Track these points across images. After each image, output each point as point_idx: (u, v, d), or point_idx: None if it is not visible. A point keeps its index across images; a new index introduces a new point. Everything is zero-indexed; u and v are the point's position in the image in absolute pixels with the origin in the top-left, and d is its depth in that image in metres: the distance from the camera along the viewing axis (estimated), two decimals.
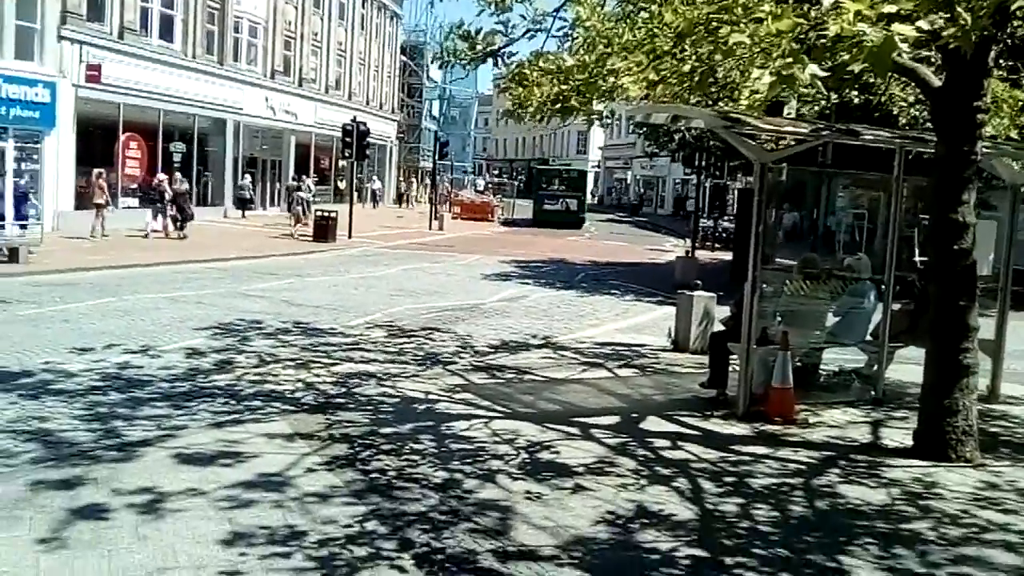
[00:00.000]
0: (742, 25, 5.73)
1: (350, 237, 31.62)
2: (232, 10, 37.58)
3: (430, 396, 9.87)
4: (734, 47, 5.62)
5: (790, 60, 5.00)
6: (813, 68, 4.95)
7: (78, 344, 11.70)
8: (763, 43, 5.33)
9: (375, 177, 54.62)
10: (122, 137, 30.35)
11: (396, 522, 6.08)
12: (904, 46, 4.64)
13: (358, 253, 28.62)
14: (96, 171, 27.20)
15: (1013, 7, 5.46)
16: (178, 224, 27.89)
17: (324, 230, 30.52)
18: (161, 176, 29.06)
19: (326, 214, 31.52)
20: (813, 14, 5.40)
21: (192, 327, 13.48)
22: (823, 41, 4.97)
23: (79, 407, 8.74)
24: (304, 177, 38.57)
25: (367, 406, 9.32)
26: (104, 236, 25.63)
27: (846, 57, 4.89)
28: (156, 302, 15.99)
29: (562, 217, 49.19)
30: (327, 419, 8.65)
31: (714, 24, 6.55)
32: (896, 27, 4.52)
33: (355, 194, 37.08)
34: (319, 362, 11.48)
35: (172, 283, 18.66)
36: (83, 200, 27.90)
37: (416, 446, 7.91)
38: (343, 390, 10.00)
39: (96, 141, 29.33)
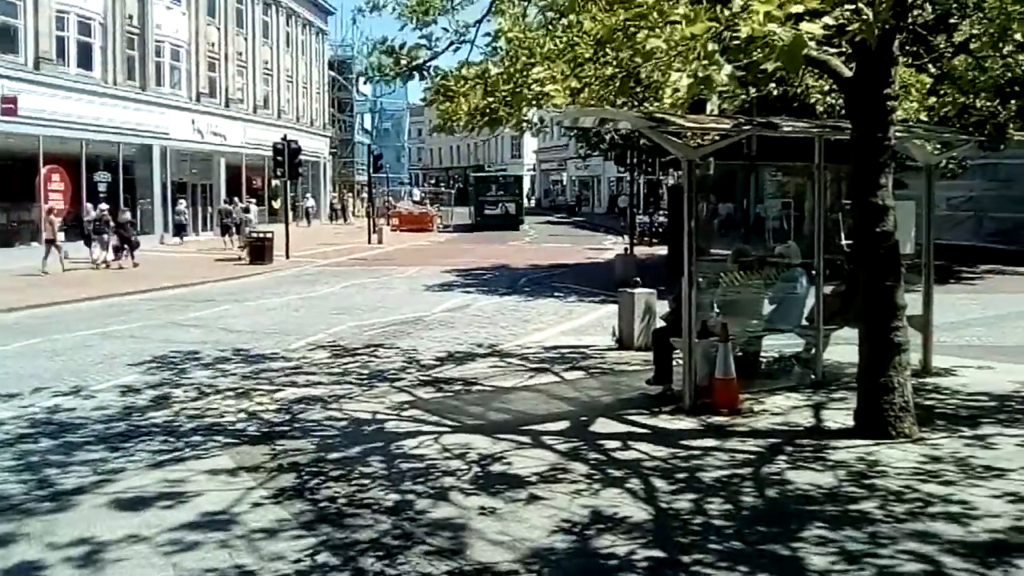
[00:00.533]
0: (658, 30, 5.81)
1: (287, 257, 31.35)
2: (152, 34, 37.10)
3: (377, 416, 9.80)
4: (652, 51, 5.70)
5: (706, 62, 5.09)
6: (728, 69, 5.04)
7: (4, 390, 11.33)
8: (679, 46, 5.41)
9: (308, 195, 54.17)
10: (43, 170, 29.73)
11: (348, 552, 5.99)
12: (813, 43, 4.75)
13: (296, 273, 28.40)
14: (46, 207, 27.55)
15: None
16: (123, 254, 28.16)
17: (260, 251, 30.24)
18: (103, 207, 29.21)
19: (261, 235, 31.22)
20: (727, 13, 5.49)
21: (126, 363, 13.21)
22: (736, 42, 5.06)
23: (7, 457, 8.44)
24: (237, 200, 38.21)
25: (313, 432, 9.21)
26: (63, 270, 25.91)
27: (759, 56, 4.98)
28: (87, 339, 15.66)
29: (502, 221, 52.37)
30: (272, 449, 8.51)
31: (632, 29, 6.64)
32: (804, 26, 4.62)
33: (290, 213, 36.76)
34: (261, 389, 11.34)
35: (104, 318, 18.29)
36: (6, 236, 27.35)
37: (365, 469, 7.83)
38: (287, 417, 9.88)
39: (16, 176, 28.71)
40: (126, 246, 28.57)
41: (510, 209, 54.35)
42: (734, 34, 5.15)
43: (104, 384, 11.76)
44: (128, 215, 30.52)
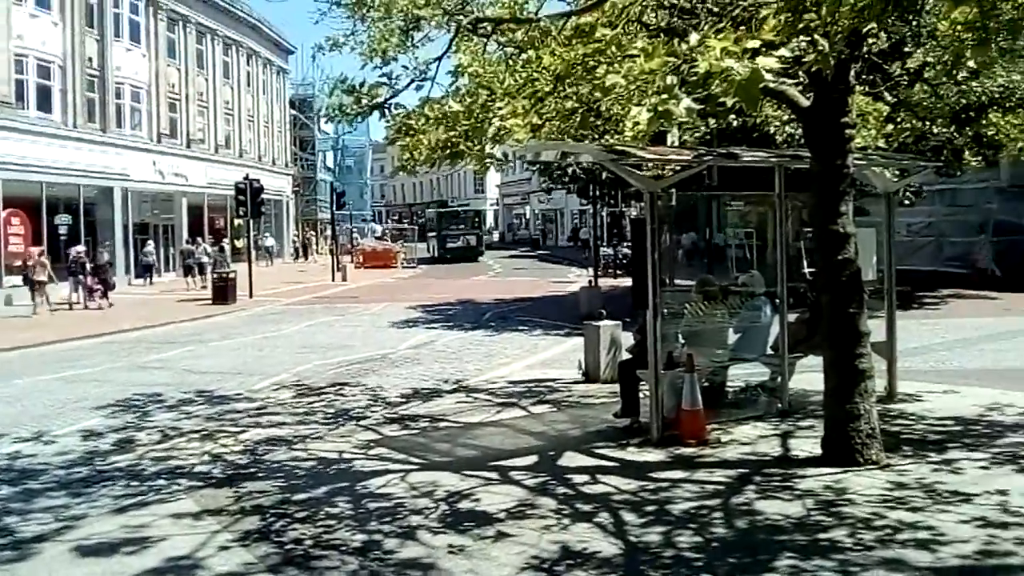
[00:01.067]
0: (617, 65, 5.85)
1: (251, 297, 31.14)
2: (113, 76, 36.93)
3: (344, 455, 9.69)
4: (611, 87, 5.73)
5: (665, 96, 5.12)
6: (687, 103, 5.07)
7: None
8: (638, 81, 5.45)
9: (267, 234, 53.78)
10: (3, 214, 29.39)
11: None
12: (770, 76, 4.80)
13: (260, 312, 28.18)
14: (36, 249, 27.96)
15: (864, 29, 5.70)
16: (97, 295, 28.57)
17: (223, 291, 30.00)
18: (79, 248, 29.69)
19: (225, 275, 30.98)
20: (684, 47, 5.54)
21: (88, 407, 13.00)
22: (694, 76, 5.10)
23: None
24: (200, 240, 37.95)
25: (278, 473, 9.09)
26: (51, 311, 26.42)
27: (718, 91, 5.02)
28: (49, 384, 15.41)
29: (464, 253, 56.55)
30: (237, 491, 8.38)
31: (591, 64, 6.69)
32: (760, 60, 4.67)
33: (253, 252, 36.54)
34: (225, 431, 11.19)
35: (65, 361, 18.04)
36: None
37: (332, 510, 7.72)
38: (252, 458, 9.74)
39: None
40: (101, 287, 28.95)
41: (471, 242, 58.95)
42: (692, 68, 5.20)
43: (66, 429, 11.56)
44: (107, 256, 31.02)
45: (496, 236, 78.83)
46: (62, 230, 31.80)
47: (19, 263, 29.78)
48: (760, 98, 4.99)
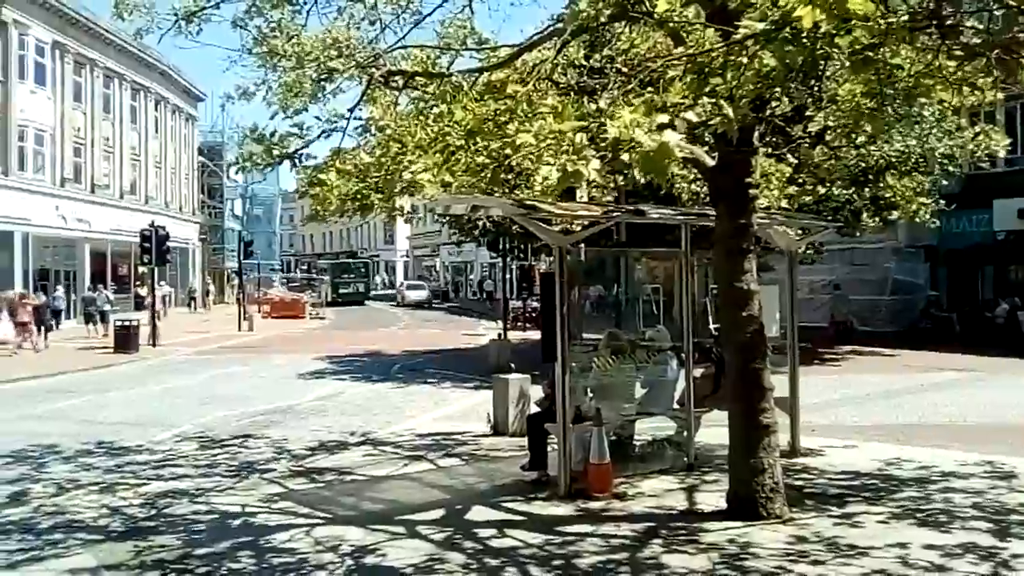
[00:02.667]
0: (527, 123, 5.97)
1: (154, 345, 30.37)
2: (16, 118, 36.03)
3: (247, 509, 9.46)
4: (521, 145, 5.83)
5: (575, 157, 5.23)
6: (595, 164, 5.19)
7: None
8: (548, 140, 5.56)
9: (162, 282, 51.87)
10: None
11: None
12: (676, 148, 4.93)
13: (163, 362, 27.50)
14: (18, 292, 29.24)
15: (768, 94, 5.93)
16: (28, 336, 28.55)
17: (126, 340, 29.19)
18: (10, 293, 29.77)
19: (127, 323, 30.20)
20: (594, 107, 5.69)
21: None
22: (603, 142, 5.23)
23: None
24: (101, 287, 36.96)
25: (180, 526, 8.82)
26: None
27: (627, 158, 5.15)
28: None
29: (353, 297, 66.70)
30: (137, 546, 8.11)
31: (502, 120, 6.80)
32: (667, 135, 4.81)
33: (157, 300, 35.72)
34: (125, 483, 10.83)
35: None
36: None
37: (235, 565, 7.54)
38: (152, 512, 9.44)
39: None
40: (39, 328, 29.37)
41: (360, 288, 70.11)
42: (601, 130, 5.33)
43: None
44: (42, 298, 31.93)
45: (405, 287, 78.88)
46: None
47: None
48: (668, 170, 5.14)
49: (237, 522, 9.00)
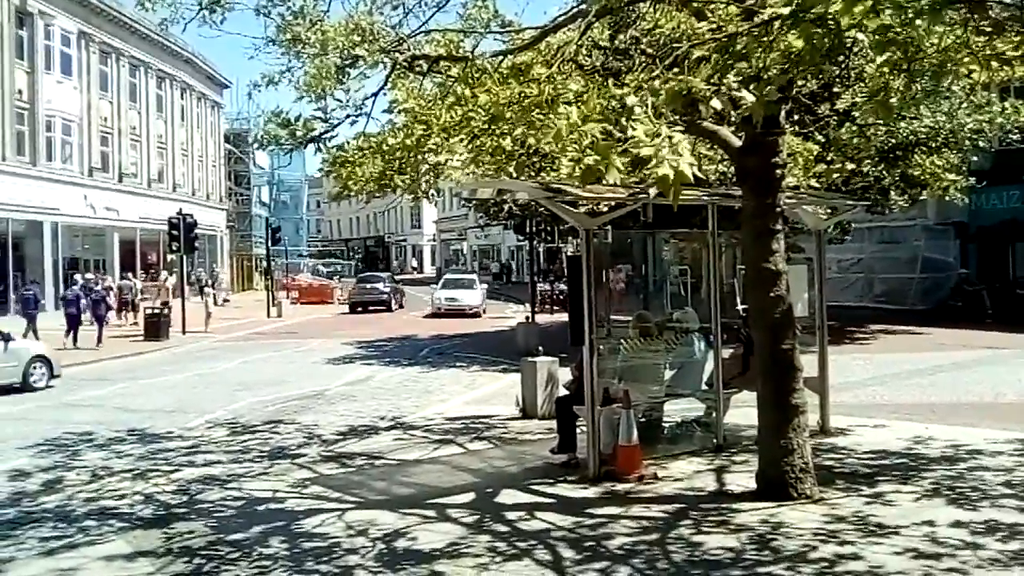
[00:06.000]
0: (552, 110, 5.94)
1: (184, 332, 30.63)
2: (43, 109, 36.31)
3: (278, 494, 9.56)
4: (544, 132, 5.82)
5: (598, 157, 5.20)
6: (618, 164, 5.16)
7: None
8: (572, 131, 5.53)
9: (200, 269, 52.25)
10: None
11: None
12: (690, 173, 4.91)
13: (194, 348, 27.81)
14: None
15: (794, 74, 5.86)
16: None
17: (156, 327, 29.48)
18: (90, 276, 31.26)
19: (157, 310, 30.49)
20: (619, 92, 5.64)
21: (15, 447, 12.66)
22: (627, 143, 5.20)
23: None
24: (131, 275, 37.32)
25: (212, 513, 8.94)
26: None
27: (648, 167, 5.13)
28: None
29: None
30: (168, 532, 8.23)
31: (526, 103, 6.76)
32: (683, 161, 4.81)
33: (186, 288, 36.02)
34: (158, 470, 10.97)
35: None
36: None
37: (266, 550, 7.61)
38: (185, 498, 9.56)
39: None
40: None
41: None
42: (627, 133, 5.29)
43: None
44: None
45: (433, 272, 78.69)
46: None
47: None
48: (679, 197, 5.15)
49: (268, 507, 9.09)
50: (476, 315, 39.12)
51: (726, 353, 11.16)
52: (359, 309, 44.48)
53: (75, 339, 26.86)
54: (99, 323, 28.07)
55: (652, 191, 5.25)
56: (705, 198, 10.79)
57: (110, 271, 40.93)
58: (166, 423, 14.39)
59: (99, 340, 27.38)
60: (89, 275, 33.46)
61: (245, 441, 12.81)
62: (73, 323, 27.17)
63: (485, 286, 45.31)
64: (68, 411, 16.10)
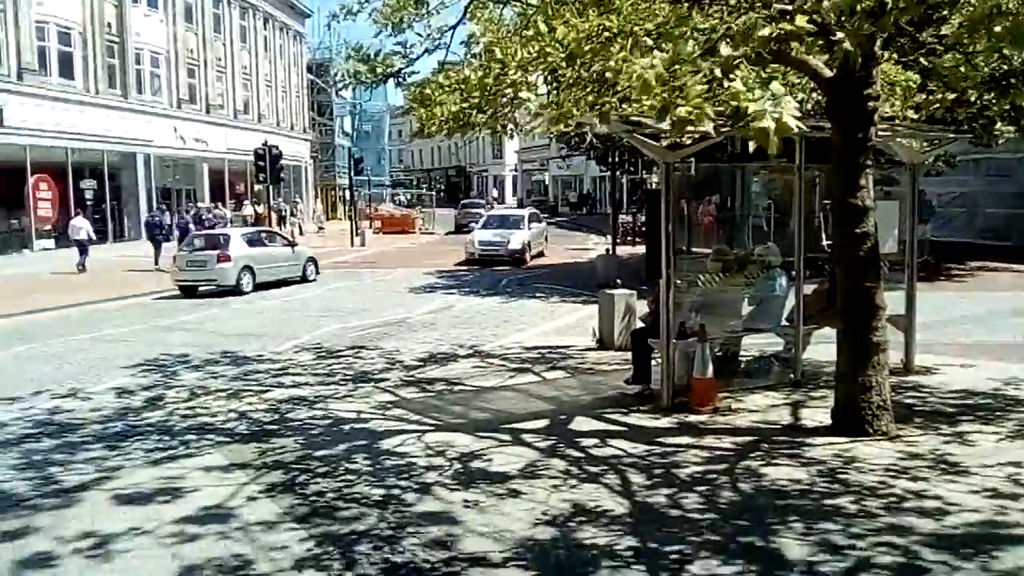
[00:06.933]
0: (631, 50, 5.94)
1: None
2: (132, 42, 37.06)
3: (362, 415, 9.94)
4: (626, 74, 5.82)
5: (692, 109, 5.20)
6: (711, 114, 5.16)
7: (6, 393, 11.56)
8: (659, 80, 5.52)
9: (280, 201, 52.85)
10: (31, 179, 29.77)
11: (340, 542, 6.18)
12: (794, 123, 4.88)
13: None
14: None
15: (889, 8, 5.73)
16: None
17: None
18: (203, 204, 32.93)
19: None
20: (707, 26, 5.60)
21: (119, 366, 13.36)
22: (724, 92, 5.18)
23: (13, 456, 8.68)
24: (220, 204, 38.25)
25: (300, 430, 9.36)
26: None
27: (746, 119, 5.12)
28: (81, 343, 15.82)
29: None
30: (261, 447, 8.68)
31: (605, 36, 6.74)
32: (786, 109, 4.77)
33: (272, 217, 36.80)
34: (249, 390, 11.49)
35: (95, 323, 18.44)
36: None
37: (351, 466, 7.99)
38: (275, 416, 10.03)
39: (5, 185, 28.73)
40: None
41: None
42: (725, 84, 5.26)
43: (99, 386, 11.94)
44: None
45: (514, 203, 78.48)
46: (88, 195, 32.28)
47: (48, 227, 30.32)
48: (779, 149, 5.10)
49: (352, 427, 9.47)
50: (519, 261, 31.28)
51: (808, 289, 11.06)
52: (464, 230, 44.79)
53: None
54: None
55: (751, 145, 5.20)
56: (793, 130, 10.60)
57: (200, 201, 41.97)
58: (256, 347, 14.94)
59: None
60: (202, 204, 34.63)
61: (330, 365, 13.24)
62: None
63: (541, 224, 36.87)
64: (166, 334, 16.85)
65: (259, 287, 24.31)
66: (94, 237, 30.44)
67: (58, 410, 10.63)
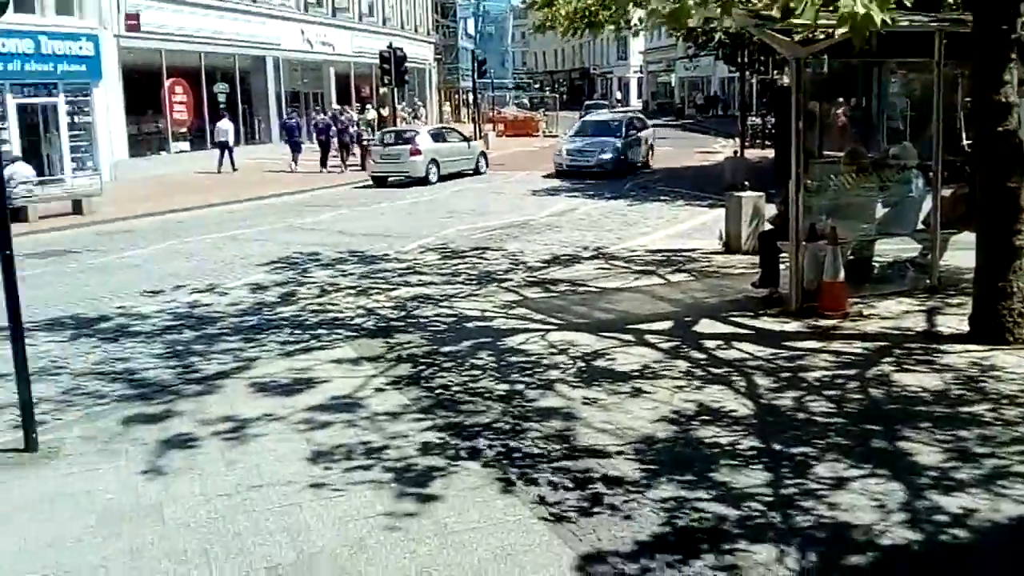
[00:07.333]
0: None
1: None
2: None
3: (486, 314, 10.12)
4: None
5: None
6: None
7: (148, 287, 12.26)
8: None
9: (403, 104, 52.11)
10: (167, 83, 30.73)
11: (464, 432, 6.38)
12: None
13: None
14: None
15: None
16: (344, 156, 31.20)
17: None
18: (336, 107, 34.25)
19: (373, 142, 31.73)
20: None
21: (253, 263, 13.94)
22: None
23: (157, 346, 9.25)
24: (347, 107, 38.74)
25: (426, 327, 9.62)
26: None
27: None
28: (216, 242, 16.52)
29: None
30: (389, 342, 8.97)
31: None
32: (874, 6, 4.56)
33: (396, 121, 37.11)
34: (377, 288, 11.83)
35: (229, 223, 19.19)
36: (138, 147, 28.73)
37: (476, 362, 8.18)
38: (402, 313, 10.32)
39: (142, 88, 29.76)
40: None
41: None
42: None
43: (236, 282, 12.53)
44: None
45: (639, 105, 76.92)
46: (220, 98, 33.17)
47: (184, 129, 31.43)
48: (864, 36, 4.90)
49: (477, 325, 9.67)
50: (614, 174, 27.47)
51: (947, 192, 10.60)
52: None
53: (324, 162, 30.54)
54: (344, 150, 31.29)
55: (839, 31, 5.02)
56: (933, 24, 10.07)
57: (327, 104, 42.59)
58: (383, 247, 15.31)
59: (342, 164, 30.91)
60: (336, 106, 35.94)
61: (455, 265, 13.48)
62: (324, 149, 30.88)
63: (646, 131, 32.09)
64: (297, 233, 17.44)
65: (442, 178, 27.13)
66: (235, 140, 31.66)
67: (197, 304, 11.23)
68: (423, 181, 26.39)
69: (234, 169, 29.49)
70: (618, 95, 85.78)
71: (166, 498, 5.47)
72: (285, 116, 34.84)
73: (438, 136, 28.86)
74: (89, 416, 7.10)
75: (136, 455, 6.16)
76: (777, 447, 5.99)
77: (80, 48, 26.28)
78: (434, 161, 27.10)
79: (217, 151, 29.98)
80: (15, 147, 22.53)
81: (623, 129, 30.02)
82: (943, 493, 5.22)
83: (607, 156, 28.14)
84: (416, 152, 26.62)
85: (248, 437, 6.45)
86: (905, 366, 7.72)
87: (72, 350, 9.15)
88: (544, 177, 27.85)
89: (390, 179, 26.84)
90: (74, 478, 5.81)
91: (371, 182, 27.09)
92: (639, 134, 31.09)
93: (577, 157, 28.50)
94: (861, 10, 4.60)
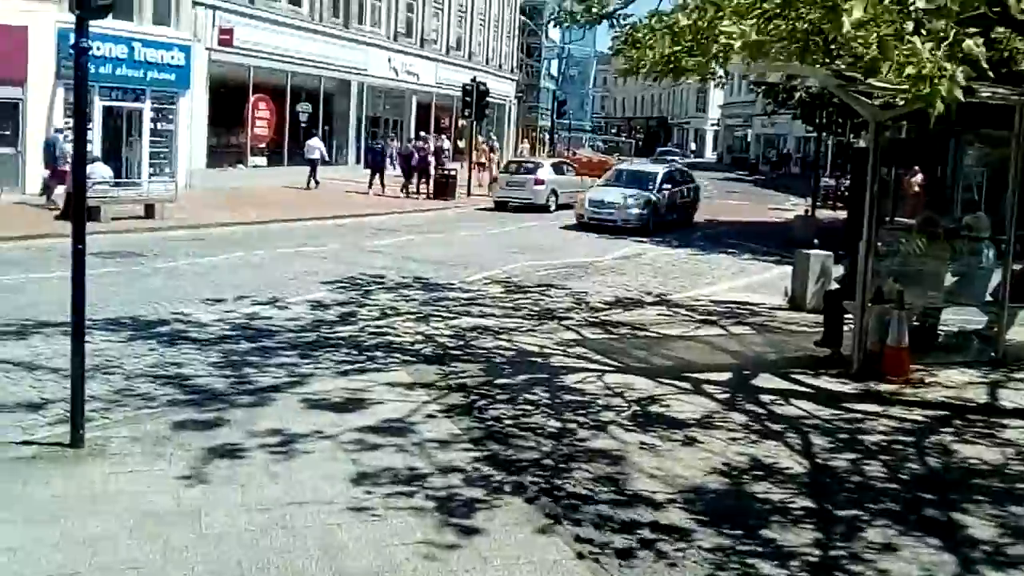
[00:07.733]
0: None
1: (469, 195, 32.15)
2: None
3: (544, 350, 10.17)
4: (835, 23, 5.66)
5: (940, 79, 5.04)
6: (960, 79, 4.99)
7: (210, 295, 12.42)
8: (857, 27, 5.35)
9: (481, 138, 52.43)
10: (252, 98, 31.49)
11: (512, 467, 6.41)
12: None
13: (476, 211, 29.07)
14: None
15: None
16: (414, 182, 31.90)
17: (444, 188, 31.18)
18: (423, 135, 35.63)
19: (446, 172, 32.16)
20: None
21: (317, 280, 14.11)
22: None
23: (213, 354, 9.36)
24: (424, 134, 39.30)
25: (483, 358, 9.69)
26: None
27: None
28: (283, 256, 16.76)
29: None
30: (445, 370, 9.04)
31: None
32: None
33: (473, 153, 37.55)
34: (438, 315, 11.94)
35: (299, 238, 19.42)
36: (216, 158, 29.46)
37: (530, 397, 8.23)
38: (460, 343, 10.41)
39: (227, 102, 30.51)
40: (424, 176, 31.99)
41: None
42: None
43: (297, 298, 12.65)
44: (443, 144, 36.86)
45: (714, 157, 76.66)
46: (303, 117, 33.86)
47: (263, 145, 32.25)
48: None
49: (534, 360, 9.73)
50: (637, 231, 24.42)
51: (1017, 266, 10.45)
52: None
53: (406, 188, 31.63)
54: (422, 177, 31.99)
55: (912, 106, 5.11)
56: (1014, 97, 9.98)
57: (406, 132, 43.27)
58: (447, 275, 15.45)
59: (417, 191, 31.67)
60: (423, 134, 37.54)
61: (517, 299, 13.55)
62: (407, 175, 32.02)
63: (688, 184, 29.74)
64: (363, 255, 17.60)
65: (560, 207, 29.38)
66: (327, 158, 32.94)
67: (256, 316, 11.36)
68: (544, 208, 29.13)
69: (317, 185, 30.55)
70: (692, 146, 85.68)
71: (206, 505, 5.52)
72: (372, 141, 36.10)
73: (558, 169, 32.42)
74: (138, 417, 7.18)
75: (180, 460, 6.22)
76: (829, 508, 5.94)
77: (171, 58, 27.05)
78: (554, 191, 30.12)
79: (307, 167, 30.88)
80: (96, 148, 23.11)
81: (658, 181, 26.78)
82: (995, 569, 5.15)
83: (632, 211, 24.96)
84: (539, 182, 29.74)
85: (295, 452, 6.51)
86: (965, 437, 7.62)
87: (128, 351, 9.27)
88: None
89: (510, 204, 29.48)
90: (116, 477, 5.87)
91: (492, 206, 30.05)
92: (679, 188, 28.23)
93: (600, 209, 25.29)
94: (944, 90, 4.63)
